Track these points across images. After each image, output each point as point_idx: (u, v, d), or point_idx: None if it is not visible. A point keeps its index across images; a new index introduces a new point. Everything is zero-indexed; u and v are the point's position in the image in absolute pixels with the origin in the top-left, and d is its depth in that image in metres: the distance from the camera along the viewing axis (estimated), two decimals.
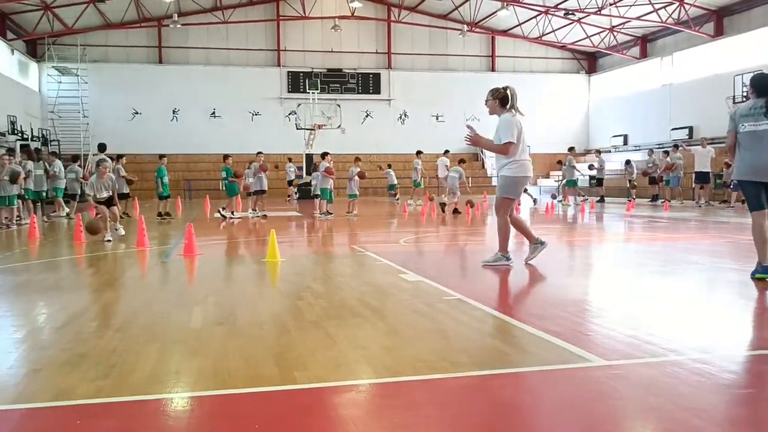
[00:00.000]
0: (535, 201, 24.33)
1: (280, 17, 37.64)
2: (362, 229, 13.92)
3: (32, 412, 3.02)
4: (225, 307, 5.47)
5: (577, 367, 3.59)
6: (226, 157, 18.04)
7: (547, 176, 39.53)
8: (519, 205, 20.92)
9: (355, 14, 37.38)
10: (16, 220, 15.56)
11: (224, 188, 18.59)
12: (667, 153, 24.51)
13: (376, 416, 2.94)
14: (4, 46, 30.47)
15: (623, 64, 37.79)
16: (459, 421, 2.82)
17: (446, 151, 27.59)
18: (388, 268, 7.63)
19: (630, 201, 22.80)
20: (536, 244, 7.75)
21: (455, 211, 17.93)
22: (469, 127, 7.59)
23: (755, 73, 7.52)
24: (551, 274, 7.29)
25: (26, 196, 16.53)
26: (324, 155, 17.80)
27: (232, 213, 17.61)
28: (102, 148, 17.59)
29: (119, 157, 18.45)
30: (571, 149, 24.66)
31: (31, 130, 31.61)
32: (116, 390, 3.26)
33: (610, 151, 27.03)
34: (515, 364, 3.71)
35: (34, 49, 34.89)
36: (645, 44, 36.34)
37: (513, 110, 7.41)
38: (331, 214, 17.09)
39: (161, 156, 18.54)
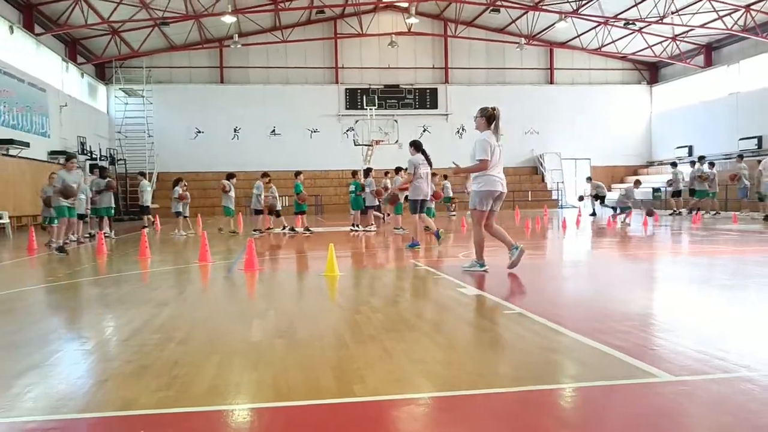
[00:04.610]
0: (593, 214, 24.00)
1: (338, 35, 38.13)
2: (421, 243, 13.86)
3: (99, 421, 3.10)
4: (284, 320, 5.52)
5: (642, 382, 3.48)
6: (354, 173, 19.20)
7: (609, 189, 38.74)
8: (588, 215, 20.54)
9: (411, 30, 37.58)
10: (85, 237, 16.08)
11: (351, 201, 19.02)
12: (712, 164, 23.76)
13: (435, 430, 2.91)
14: (74, 70, 31.74)
15: (687, 73, 36.86)
16: None
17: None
18: (447, 282, 7.58)
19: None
20: (513, 250, 8.20)
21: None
22: (454, 163, 8.85)
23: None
24: (614, 287, 7.12)
25: (91, 214, 17.08)
26: (398, 170, 18.37)
27: (356, 226, 18.13)
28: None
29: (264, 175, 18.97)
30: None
31: (100, 150, 32.79)
32: (178, 401, 3.32)
33: (676, 164, 26.34)
34: (577, 379, 3.62)
35: (102, 72, 36.23)
36: (710, 52, 35.38)
37: (493, 130, 8.11)
38: (404, 229, 17.11)
39: (297, 173, 18.98)
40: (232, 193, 18.96)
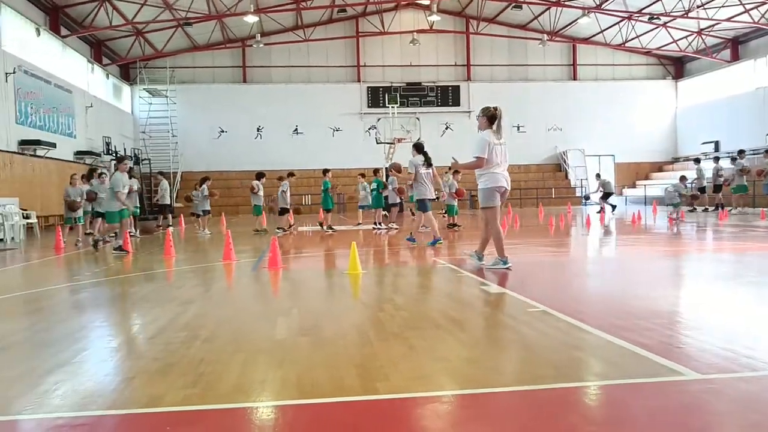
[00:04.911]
0: (614, 208, 23.85)
1: (360, 33, 38.14)
2: (443, 241, 13.83)
3: (126, 417, 3.14)
4: (308, 318, 5.54)
5: (668, 380, 3.44)
6: (376, 171, 19.41)
7: (633, 186, 38.37)
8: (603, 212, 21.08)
9: (433, 28, 37.48)
10: (111, 236, 16.23)
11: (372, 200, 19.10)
12: (734, 159, 23.40)
13: (459, 428, 2.90)
14: (100, 71, 32.10)
15: (713, 68, 36.34)
16: None
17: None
18: (469, 280, 7.56)
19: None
20: (480, 255, 8.43)
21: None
22: (453, 159, 9.07)
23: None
24: (638, 284, 7.05)
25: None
26: None
27: (378, 224, 18.09)
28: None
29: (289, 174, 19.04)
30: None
31: (125, 150, 33.12)
32: (204, 398, 3.35)
33: (699, 160, 26.11)
34: (602, 377, 3.60)
35: (126, 72, 36.60)
36: (736, 46, 34.85)
37: (494, 129, 8.14)
38: (428, 227, 17.06)
39: (325, 171, 19.34)
40: (261, 193, 19.04)
